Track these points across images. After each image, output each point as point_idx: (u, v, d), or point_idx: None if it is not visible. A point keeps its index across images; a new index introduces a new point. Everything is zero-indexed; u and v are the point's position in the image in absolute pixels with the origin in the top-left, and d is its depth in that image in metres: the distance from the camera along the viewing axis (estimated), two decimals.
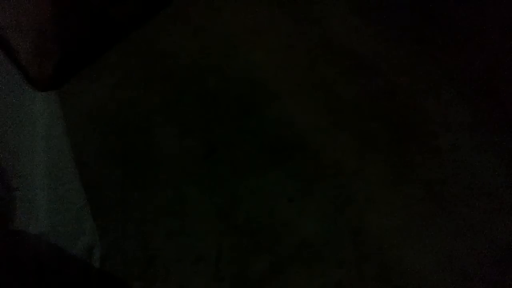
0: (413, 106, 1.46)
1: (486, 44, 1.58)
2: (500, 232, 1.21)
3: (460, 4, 1.67)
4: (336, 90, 1.49)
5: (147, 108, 1.36)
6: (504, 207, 1.25)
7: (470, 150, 1.36)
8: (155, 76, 1.46)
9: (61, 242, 1.11)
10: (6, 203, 1.01)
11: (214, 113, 1.38)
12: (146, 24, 1.60)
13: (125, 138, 1.29)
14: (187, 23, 1.61)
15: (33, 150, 1.23)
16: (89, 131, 1.31)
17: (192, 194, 1.23)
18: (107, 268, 1.10)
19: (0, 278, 1.02)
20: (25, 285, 1.04)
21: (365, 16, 1.66)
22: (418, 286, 1.12)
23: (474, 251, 1.18)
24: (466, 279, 1.13)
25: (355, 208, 1.24)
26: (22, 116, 1.29)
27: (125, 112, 1.34)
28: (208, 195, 1.22)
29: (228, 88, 1.45)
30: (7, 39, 1.39)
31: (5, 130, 1.24)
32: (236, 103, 1.41)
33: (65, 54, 1.59)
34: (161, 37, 1.58)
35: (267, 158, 1.32)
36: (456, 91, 1.48)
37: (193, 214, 1.20)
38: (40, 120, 1.29)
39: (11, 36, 1.43)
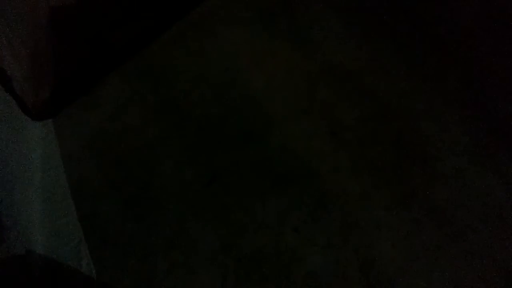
0: (413, 129, 1.46)
1: (486, 67, 1.60)
2: (508, 256, 1.19)
3: (464, 28, 1.70)
4: (337, 114, 1.48)
5: (147, 137, 1.33)
6: (511, 230, 1.24)
7: (473, 173, 1.35)
8: (154, 103, 1.43)
9: (58, 279, 1.06)
10: (3, 241, 0.96)
11: (215, 141, 1.36)
12: (144, 49, 1.59)
13: (125, 168, 1.26)
14: (186, 49, 1.61)
15: (29, 183, 1.18)
16: (87, 162, 1.27)
17: (195, 225, 1.19)
18: None
19: None
20: None
21: (362, 37, 1.67)
22: None
23: (482, 277, 1.16)
24: None
25: (361, 236, 1.21)
26: (17, 147, 1.24)
27: (124, 141, 1.31)
28: (211, 226, 1.19)
29: (229, 114, 1.43)
30: (2, 67, 1.36)
31: None
32: (237, 130, 1.39)
33: (61, 80, 1.56)
34: (159, 63, 1.57)
35: (270, 186, 1.29)
36: (455, 112, 1.49)
37: (196, 246, 1.16)
38: (37, 151, 1.25)
39: (6, 64, 1.41)
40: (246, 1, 1.73)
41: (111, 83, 1.46)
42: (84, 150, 1.28)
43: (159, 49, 1.58)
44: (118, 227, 1.16)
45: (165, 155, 1.30)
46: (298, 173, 1.33)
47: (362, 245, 1.20)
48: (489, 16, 1.71)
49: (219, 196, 1.25)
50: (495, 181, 1.34)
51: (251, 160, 1.33)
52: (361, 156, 1.39)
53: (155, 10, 1.78)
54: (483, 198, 1.31)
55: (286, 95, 1.52)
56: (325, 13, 1.73)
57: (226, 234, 1.18)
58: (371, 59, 1.62)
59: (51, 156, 1.25)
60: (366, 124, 1.47)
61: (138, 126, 1.36)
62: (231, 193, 1.26)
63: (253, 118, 1.44)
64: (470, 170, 1.36)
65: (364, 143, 1.42)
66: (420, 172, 1.36)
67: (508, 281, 1.17)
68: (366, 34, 1.68)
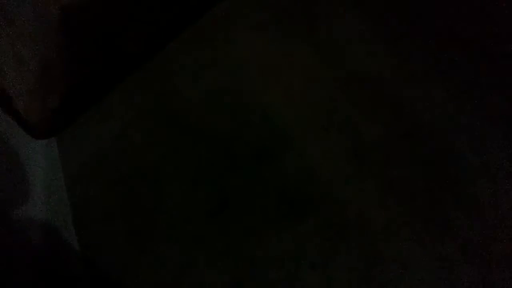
0: (445, 148, 1.31)
1: None
2: None
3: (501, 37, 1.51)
4: (360, 131, 1.35)
5: (154, 157, 1.25)
6: None
7: None
8: (162, 119, 1.34)
9: None
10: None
11: (226, 161, 1.26)
12: (151, 59, 1.49)
13: (129, 193, 1.18)
14: (198, 57, 1.49)
15: (31, 208, 1.12)
16: (90, 184, 1.20)
17: (202, 258, 1.11)
18: None
19: None
20: None
21: (390, 42, 1.51)
22: None
23: None
24: None
25: (386, 273, 1.10)
26: (19, 168, 1.18)
27: (129, 161, 1.23)
28: (221, 259, 1.10)
29: (242, 131, 1.33)
30: (3, 86, 1.29)
31: (0, 185, 1.14)
32: (250, 149, 1.28)
33: (70, 91, 1.49)
34: (170, 74, 1.47)
35: (286, 213, 1.19)
36: (497, 131, 1.33)
37: (204, 282, 1.08)
38: (40, 172, 1.18)
39: (8, 79, 1.34)
40: (261, 2, 1.59)
41: (117, 98, 1.37)
42: (87, 172, 1.20)
43: (167, 58, 1.48)
44: (120, 258, 1.09)
45: (172, 177, 1.21)
46: (316, 199, 1.22)
47: (387, 283, 1.09)
48: None
49: (229, 225, 1.16)
50: None
51: (265, 184, 1.22)
52: (388, 180, 1.26)
53: (164, 14, 1.68)
54: None
55: (304, 109, 1.39)
56: (348, 14, 1.57)
57: (237, 269, 1.09)
58: (400, 67, 1.46)
59: (54, 178, 1.19)
60: (394, 142, 1.33)
61: (145, 145, 1.27)
62: (243, 222, 1.16)
63: (268, 135, 1.33)
64: (510, 199, 1.22)
65: (390, 165, 1.29)
66: (454, 199, 1.22)
67: None
68: (395, 38, 1.52)
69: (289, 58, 1.49)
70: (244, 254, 1.11)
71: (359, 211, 1.21)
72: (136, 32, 1.69)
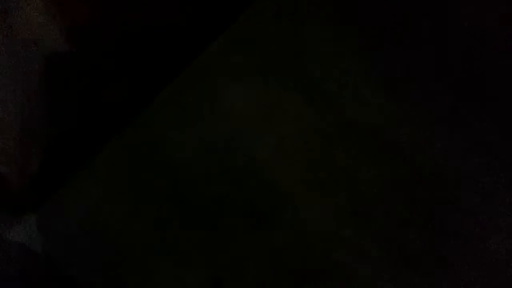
0: (452, 202, 1.23)
1: None
2: None
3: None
4: (360, 185, 1.27)
5: (141, 230, 1.16)
6: None
7: None
8: (150, 183, 1.26)
9: None
10: None
11: (217, 234, 1.17)
12: (137, 114, 1.42)
13: (115, 278, 1.09)
14: (187, 109, 1.43)
15: None
16: (72, 258, 1.11)
17: None
18: None
19: None
20: None
21: (385, 84, 1.44)
22: None
23: None
24: None
25: None
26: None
27: (113, 237, 1.15)
28: None
29: (233, 193, 1.25)
30: None
31: None
32: (242, 216, 1.20)
33: (50, 155, 1.42)
34: (156, 128, 1.39)
35: (286, 285, 1.10)
36: (503, 178, 1.25)
37: None
38: (15, 254, 1.10)
39: None
40: (250, 49, 1.53)
41: (100, 160, 1.30)
42: (69, 253, 1.12)
43: (153, 112, 1.41)
44: None
45: (162, 254, 1.12)
46: (316, 268, 1.13)
47: None
48: None
49: None
50: None
51: (260, 255, 1.14)
52: (390, 240, 1.18)
53: (149, 64, 1.62)
54: None
55: (299, 164, 1.32)
56: (341, 56, 1.51)
57: None
58: (397, 112, 1.40)
59: (31, 258, 1.10)
60: (395, 196, 1.25)
61: (132, 216, 1.19)
62: None
63: (261, 196, 1.25)
64: None
65: (392, 222, 1.21)
66: (465, 260, 1.14)
67: None
68: (390, 80, 1.45)
69: (281, 107, 1.43)
70: None
71: (363, 278, 1.12)
72: (120, 84, 1.63)
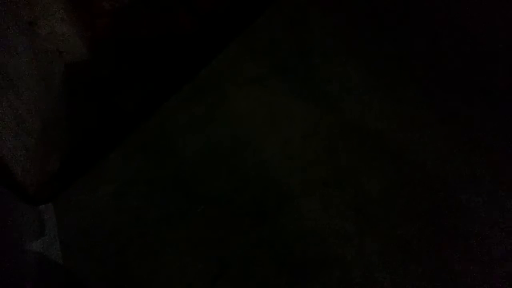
0: (452, 201, 1.26)
1: None
2: None
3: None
4: (362, 184, 1.31)
5: (151, 221, 1.22)
6: None
7: None
8: (160, 180, 1.33)
9: None
10: None
11: (223, 223, 1.22)
12: (149, 118, 1.50)
13: (125, 261, 1.15)
14: (196, 113, 1.50)
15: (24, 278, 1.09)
16: (85, 253, 1.17)
17: None
18: None
19: None
20: None
21: (388, 88, 1.50)
22: None
23: None
24: None
25: None
26: (11, 239, 1.17)
27: (125, 228, 1.21)
28: None
29: (241, 191, 1.30)
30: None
31: None
32: (249, 209, 1.25)
33: (70, 151, 1.50)
34: (167, 131, 1.47)
35: (286, 281, 1.14)
36: (504, 179, 1.27)
37: None
38: (34, 242, 1.16)
39: (6, 140, 1.34)
40: (257, 55, 1.61)
41: (113, 159, 1.37)
42: (82, 240, 1.18)
43: (164, 117, 1.49)
44: None
45: (169, 243, 1.18)
46: (318, 262, 1.16)
47: None
48: None
49: None
50: None
51: (264, 247, 1.18)
52: (392, 237, 1.20)
53: (162, 71, 1.71)
54: None
55: (303, 164, 1.37)
56: (344, 62, 1.58)
57: None
58: (399, 114, 1.44)
59: (49, 246, 1.17)
60: (396, 195, 1.28)
61: (142, 209, 1.25)
62: None
63: (267, 194, 1.30)
64: None
65: (394, 220, 1.23)
66: (463, 255, 1.15)
67: None
68: (393, 84, 1.50)
69: (286, 111, 1.49)
70: None
71: (364, 272, 1.15)
72: (135, 90, 1.72)
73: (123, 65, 1.80)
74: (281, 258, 1.16)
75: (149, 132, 1.44)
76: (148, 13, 1.78)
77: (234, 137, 1.45)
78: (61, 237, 1.19)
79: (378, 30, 1.56)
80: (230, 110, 1.49)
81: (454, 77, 1.45)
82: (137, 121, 1.54)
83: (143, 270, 1.14)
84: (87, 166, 1.42)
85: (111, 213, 1.24)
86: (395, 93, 1.45)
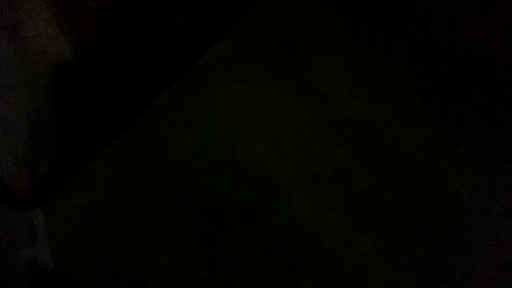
0: (442, 191, 1.27)
1: None
2: None
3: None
4: (353, 178, 1.32)
5: (142, 222, 1.22)
6: None
7: None
8: (149, 181, 1.32)
9: None
10: None
11: (216, 221, 1.22)
12: (138, 117, 1.49)
13: (117, 263, 1.14)
14: (184, 114, 1.49)
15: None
16: (77, 257, 1.17)
17: None
18: None
19: None
20: None
21: (377, 83, 1.50)
22: None
23: None
24: None
25: None
26: (4, 242, 1.16)
27: (116, 230, 1.20)
28: None
29: (231, 188, 1.30)
30: None
31: None
32: (241, 206, 1.25)
33: (57, 158, 1.49)
34: (157, 130, 1.46)
35: (279, 277, 1.14)
36: (491, 167, 1.28)
37: None
38: (24, 250, 1.16)
39: None
40: (247, 52, 1.60)
41: (102, 161, 1.36)
42: (75, 243, 1.18)
43: (154, 116, 1.48)
44: None
45: (161, 244, 1.18)
46: (311, 256, 1.17)
47: None
48: None
49: None
50: None
51: (256, 244, 1.18)
52: (383, 229, 1.21)
53: (151, 69, 1.69)
54: None
55: (294, 159, 1.37)
56: (334, 57, 1.57)
57: None
58: (389, 109, 1.44)
59: (41, 252, 1.16)
60: (387, 188, 1.29)
61: (133, 210, 1.25)
62: None
63: (258, 191, 1.30)
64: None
65: (386, 212, 1.24)
66: (454, 245, 1.17)
67: None
68: (382, 79, 1.50)
69: (277, 107, 1.49)
70: None
71: (356, 265, 1.16)
72: (123, 90, 1.71)
73: (111, 65, 1.78)
74: (273, 255, 1.17)
75: (138, 131, 1.43)
76: (135, 11, 1.76)
77: (225, 134, 1.44)
78: (53, 241, 1.18)
79: (368, 22, 1.56)
80: (219, 108, 1.48)
81: (445, 69, 1.45)
82: (126, 121, 1.53)
83: (136, 272, 1.13)
84: (76, 169, 1.41)
85: (101, 216, 1.24)
86: (386, 86, 1.45)
